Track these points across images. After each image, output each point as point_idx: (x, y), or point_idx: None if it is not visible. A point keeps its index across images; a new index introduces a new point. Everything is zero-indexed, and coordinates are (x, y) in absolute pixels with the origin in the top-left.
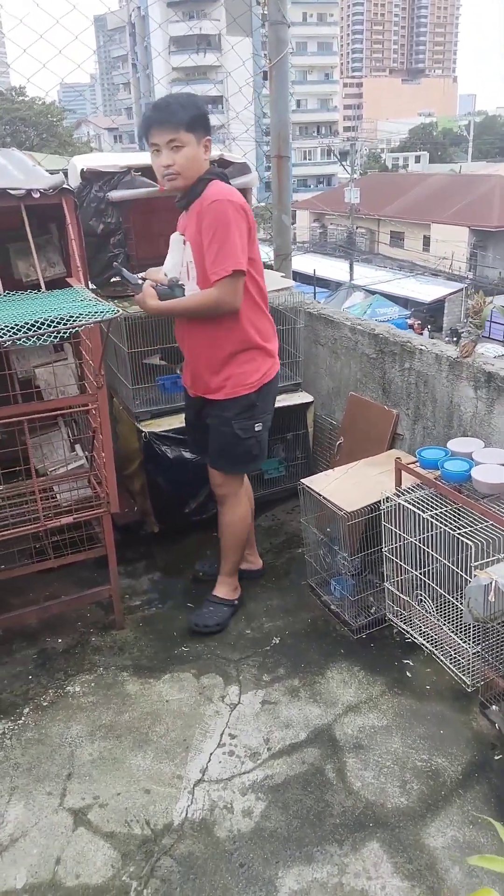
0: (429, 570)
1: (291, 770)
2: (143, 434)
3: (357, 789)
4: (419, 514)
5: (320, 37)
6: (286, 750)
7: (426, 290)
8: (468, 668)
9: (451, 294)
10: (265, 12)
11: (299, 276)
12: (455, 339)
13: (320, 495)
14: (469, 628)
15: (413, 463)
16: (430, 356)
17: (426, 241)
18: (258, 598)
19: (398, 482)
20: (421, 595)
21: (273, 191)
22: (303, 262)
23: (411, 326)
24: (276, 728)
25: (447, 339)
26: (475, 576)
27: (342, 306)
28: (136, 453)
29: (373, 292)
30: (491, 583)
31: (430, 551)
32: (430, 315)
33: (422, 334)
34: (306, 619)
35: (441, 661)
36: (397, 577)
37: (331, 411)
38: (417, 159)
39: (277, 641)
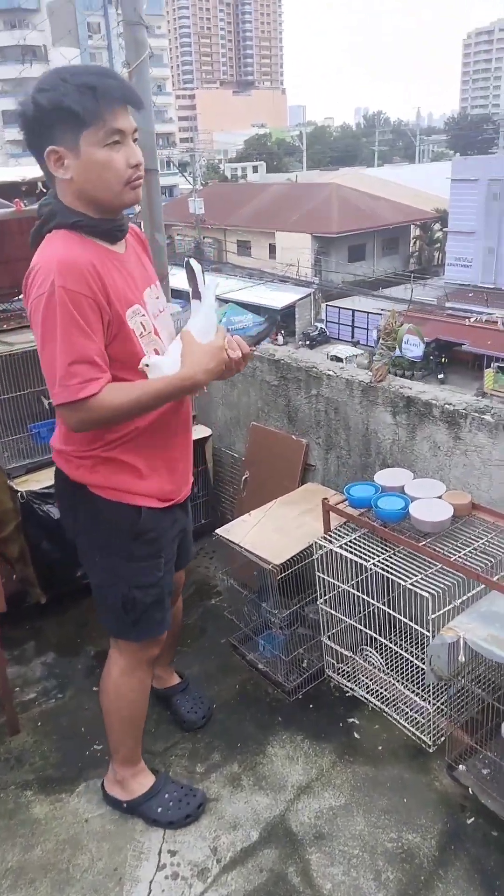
0: (366, 616)
1: (249, 883)
2: (19, 494)
3: (328, 892)
4: (357, 562)
5: (150, 48)
6: (239, 858)
7: (277, 297)
8: (427, 727)
9: (300, 299)
10: (119, 12)
11: None
12: (307, 342)
13: (241, 547)
14: (425, 683)
15: (341, 502)
16: (339, 381)
17: (272, 249)
18: (176, 664)
19: (327, 525)
20: (365, 648)
21: (143, 208)
22: None
23: None
24: (222, 832)
25: (300, 342)
26: (439, 633)
27: None
28: (10, 514)
29: (226, 301)
30: (458, 640)
31: (370, 600)
32: (282, 321)
33: (276, 340)
34: (234, 685)
35: (395, 720)
36: (333, 628)
37: (230, 443)
38: (255, 169)
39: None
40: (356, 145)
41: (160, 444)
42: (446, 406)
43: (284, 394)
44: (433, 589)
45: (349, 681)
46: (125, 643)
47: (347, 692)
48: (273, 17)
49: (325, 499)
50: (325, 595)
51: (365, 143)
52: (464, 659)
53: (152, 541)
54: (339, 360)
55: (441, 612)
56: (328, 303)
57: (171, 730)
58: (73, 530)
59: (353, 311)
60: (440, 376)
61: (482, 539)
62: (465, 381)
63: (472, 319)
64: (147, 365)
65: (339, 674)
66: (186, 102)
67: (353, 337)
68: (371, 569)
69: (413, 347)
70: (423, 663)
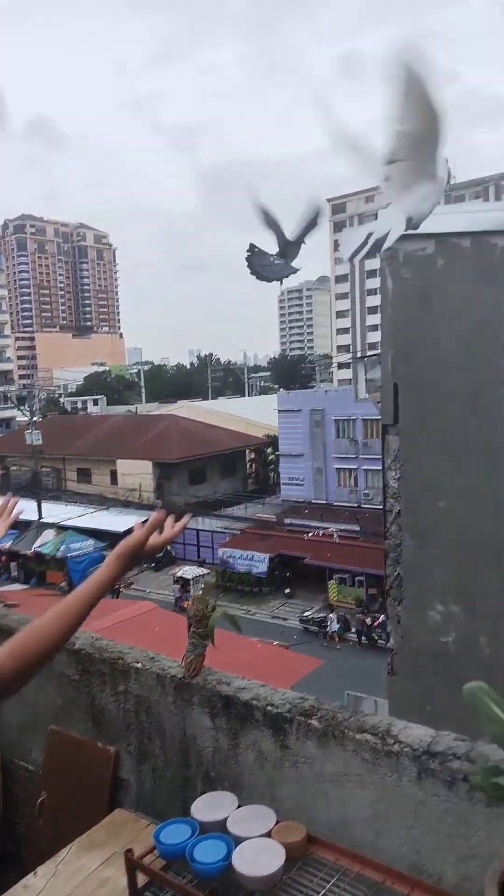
0: None
1: None
2: None
3: None
4: None
5: None
6: None
7: (119, 521)
8: None
9: (142, 522)
10: None
11: None
12: (153, 564)
13: None
14: None
15: (150, 852)
16: (149, 676)
17: (113, 476)
18: None
19: (132, 889)
20: None
21: None
22: None
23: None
24: None
25: (146, 565)
26: None
27: (32, 547)
28: None
29: (65, 528)
30: None
31: None
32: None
33: None
34: None
35: None
36: None
37: (26, 752)
38: (96, 402)
39: None
40: (191, 382)
41: None
42: (269, 708)
43: (87, 690)
44: None
45: None
46: None
47: None
48: (108, 272)
49: (129, 850)
50: None
51: (199, 379)
52: None
53: None
54: (185, 580)
55: None
56: None
57: None
58: None
59: (198, 530)
60: (286, 591)
61: (320, 892)
62: (311, 594)
63: (310, 534)
64: None
65: None
66: (27, 344)
67: (198, 556)
68: None
69: (258, 563)
70: None
